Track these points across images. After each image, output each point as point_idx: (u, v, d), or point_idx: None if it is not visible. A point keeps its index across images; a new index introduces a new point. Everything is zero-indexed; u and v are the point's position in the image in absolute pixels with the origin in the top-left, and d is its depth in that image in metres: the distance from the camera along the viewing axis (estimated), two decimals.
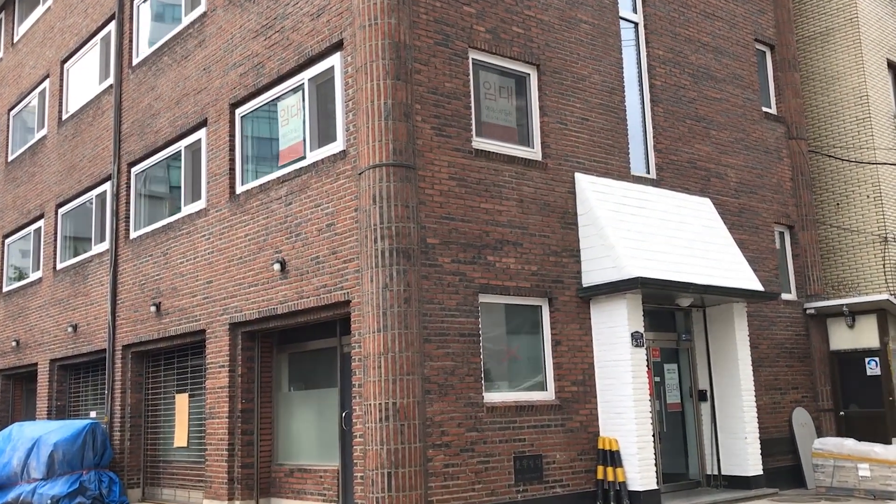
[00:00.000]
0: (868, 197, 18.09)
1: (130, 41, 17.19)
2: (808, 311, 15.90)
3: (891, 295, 16.82)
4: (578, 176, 12.65)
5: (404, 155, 10.55)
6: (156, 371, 16.02)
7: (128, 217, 16.60)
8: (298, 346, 12.99)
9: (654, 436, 12.94)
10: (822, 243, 18.53)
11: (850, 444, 13.45)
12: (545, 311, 12.02)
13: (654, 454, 11.90)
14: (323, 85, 11.94)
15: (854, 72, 18.57)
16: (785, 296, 15.86)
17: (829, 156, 18.24)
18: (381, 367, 10.07)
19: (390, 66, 10.56)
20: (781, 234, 16.37)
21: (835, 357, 15.97)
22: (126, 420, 15.83)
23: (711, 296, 12.96)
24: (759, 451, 13.37)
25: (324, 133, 11.83)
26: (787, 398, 15.20)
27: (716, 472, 13.56)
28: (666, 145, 14.20)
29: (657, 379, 13.47)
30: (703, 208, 14.31)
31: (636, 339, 11.95)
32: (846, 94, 18.64)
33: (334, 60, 11.53)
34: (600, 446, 11.94)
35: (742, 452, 13.24)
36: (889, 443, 14.70)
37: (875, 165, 18.02)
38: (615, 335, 12.07)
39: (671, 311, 14.10)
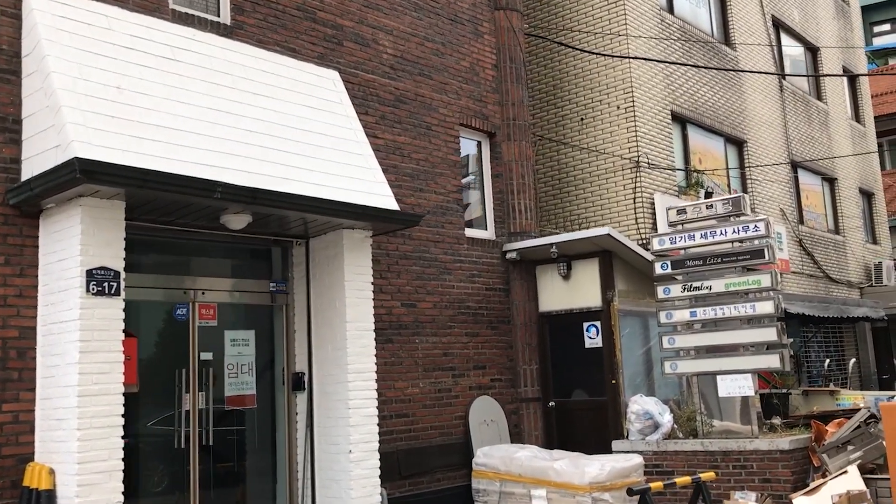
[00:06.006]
0: (618, 108, 13.31)
1: None
2: (508, 256, 10.87)
3: (640, 235, 12.08)
4: None
5: None
6: None
7: None
8: None
9: (176, 454, 7.55)
10: (563, 171, 13.69)
11: (522, 458, 8.46)
12: None
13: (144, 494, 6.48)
14: None
15: None
16: (474, 232, 10.77)
17: (560, 43, 13.32)
18: None
19: None
20: (479, 144, 11.27)
21: (546, 321, 11.04)
22: None
23: (289, 212, 7.59)
24: (377, 474, 8.13)
25: None
26: (463, 383, 10.11)
27: None
28: None
29: (207, 356, 7.98)
30: (320, 84, 8.91)
31: (99, 281, 6.41)
32: None
33: None
34: (26, 482, 6.36)
35: (345, 476, 7.97)
36: (608, 448, 9.88)
37: (628, 67, 13.24)
38: (65, 275, 6.50)
39: (265, 246, 8.68)
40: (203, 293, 7.95)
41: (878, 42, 36.31)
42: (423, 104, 10.23)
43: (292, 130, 8.12)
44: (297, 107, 8.38)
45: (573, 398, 10.83)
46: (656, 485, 6.89)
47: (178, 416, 7.61)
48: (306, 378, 8.39)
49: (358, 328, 8.20)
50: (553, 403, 10.78)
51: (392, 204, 8.47)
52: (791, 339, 16.64)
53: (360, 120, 9.14)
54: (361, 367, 8.16)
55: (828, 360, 17.60)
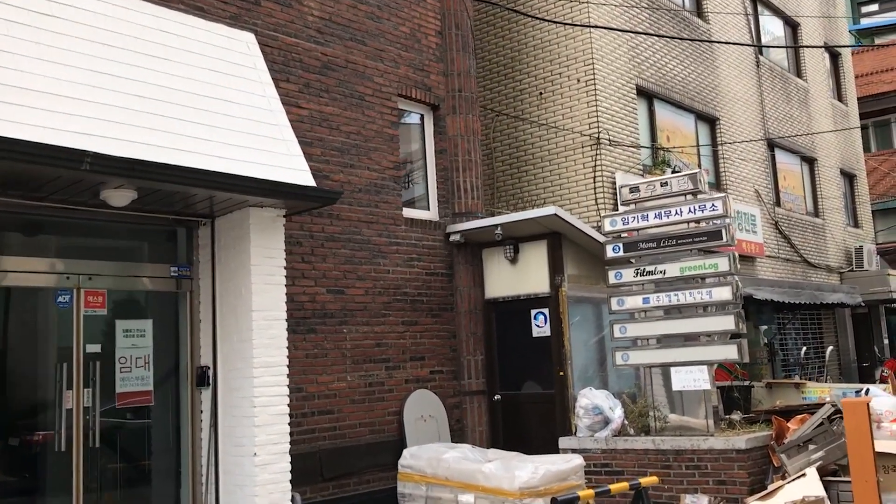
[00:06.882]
0: (578, 81, 12.48)
1: None
2: (452, 238, 10.07)
3: (601, 217, 11.30)
4: None
5: None
6: None
7: None
8: None
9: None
10: (520, 148, 12.88)
11: (450, 460, 7.66)
12: None
13: None
14: None
15: None
16: (414, 212, 9.96)
17: (512, 9, 12.47)
18: None
19: None
20: (421, 117, 10.44)
21: (492, 308, 10.26)
22: None
23: (179, 186, 6.75)
24: (288, 479, 7.33)
25: None
26: (399, 376, 9.32)
27: None
28: None
29: (95, 349, 7.15)
30: (231, 47, 8.06)
31: None
32: None
33: None
34: None
35: (249, 482, 7.19)
36: (555, 446, 9.11)
37: (589, 37, 12.40)
38: None
39: (167, 227, 7.84)
40: (90, 278, 7.11)
41: (866, 22, 35.47)
42: (354, 72, 9.39)
43: (194, 97, 7.28)
44: (201, 71, 7.54)
45: (521, 391, 10.05)
46: (586, 493, 6.12)
47: (59, 415, 6.79)
48: (211, 373, 7.58)
49: (266, 317, 7.39)
50: (499, 397, 10.00)
51: (307, 179, 7.64)
52: (765, 327, 15.97)
53: (279, 88, 8.32)
54: (270, 360, 7.35)
55: (804, 348, 16.88)
